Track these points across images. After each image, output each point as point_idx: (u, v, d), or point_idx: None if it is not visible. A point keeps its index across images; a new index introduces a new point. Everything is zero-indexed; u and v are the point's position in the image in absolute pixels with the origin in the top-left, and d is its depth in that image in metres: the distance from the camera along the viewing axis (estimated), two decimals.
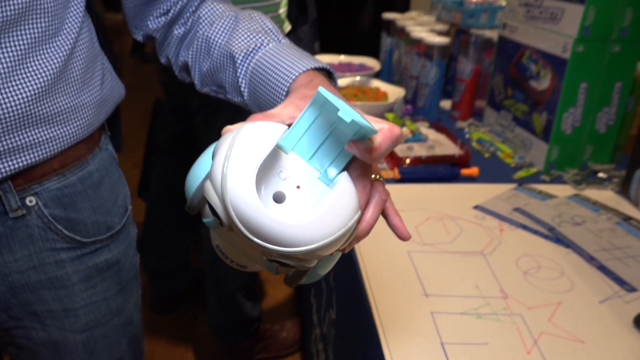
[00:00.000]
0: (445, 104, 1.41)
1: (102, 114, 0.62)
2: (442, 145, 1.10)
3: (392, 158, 1.02)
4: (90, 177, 0.61)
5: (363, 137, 0.35)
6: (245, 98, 0.53)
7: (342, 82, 1.40)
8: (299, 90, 0.44)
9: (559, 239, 0.81)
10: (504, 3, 1.41)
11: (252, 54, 0.52)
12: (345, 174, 0.36)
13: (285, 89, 0.47)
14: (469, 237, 0.80)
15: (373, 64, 1.60)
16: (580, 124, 1.02)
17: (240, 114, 1.31)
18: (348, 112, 0.33)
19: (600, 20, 0.95)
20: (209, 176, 0.36)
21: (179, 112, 1.45)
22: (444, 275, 0.71)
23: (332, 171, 0.37)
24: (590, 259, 0.76)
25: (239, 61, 0.52)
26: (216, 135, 1.48)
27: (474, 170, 1.00)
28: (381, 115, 1.24)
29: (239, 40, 0.53)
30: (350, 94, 1.28)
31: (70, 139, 0.56)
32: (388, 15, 1.58)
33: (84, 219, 0.60)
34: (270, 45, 0.52)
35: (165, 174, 1.58)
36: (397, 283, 0.69)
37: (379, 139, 0.34)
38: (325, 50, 1.76)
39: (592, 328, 0.62)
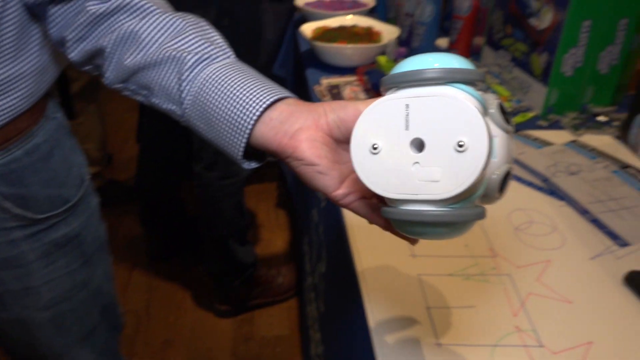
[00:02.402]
0: (442, 42, 1.34)
1: (46, 82, 0.57)
2: None
3: None
4: (37, 149, 0.57)
5: None
6: (183, 107, 0.46)
7: (332, 21, 1.32)
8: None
9: (553, 191, 0.79)
10: None
11: (204, 63, 0.46)
12: None
13: (251, 125, 0.43)
14: None
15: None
16: (582, 65, 0.97)
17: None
18: None
19: None
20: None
21: None
22: None
23: None
24: (584, 212, 0.74)
25: (186, 67, 0.46)
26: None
27: None
28: (373, 59, 1.18)
29: (188, 44, 0.47)
30: (341, 36, 1.21)
31: (9, 111, 0.52)
32: None
33: (35, 194, 0.57)
34: (225, 61, 0.46)
35: (157, 116, 1.53)
36: (384, 243, 0.67)
37: None
38: None
39: (581, 287, 0.61)
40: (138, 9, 0.50)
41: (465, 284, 0.61)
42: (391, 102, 0.37)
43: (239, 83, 0.44)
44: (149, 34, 0.49)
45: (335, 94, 1.09)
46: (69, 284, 0.65)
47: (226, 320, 1.58)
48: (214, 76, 0.45)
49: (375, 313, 0.57)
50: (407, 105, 0.36)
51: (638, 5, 0.94)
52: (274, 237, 1.89)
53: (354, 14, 1.37)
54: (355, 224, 0.70)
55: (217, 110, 0.44)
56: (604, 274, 0.63)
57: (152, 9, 0.50)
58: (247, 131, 0.43)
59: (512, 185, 0.79)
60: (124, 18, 0.50)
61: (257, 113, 0.42)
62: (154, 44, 0.48)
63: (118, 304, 0.78)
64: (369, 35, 1.24)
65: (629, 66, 1.02)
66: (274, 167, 2.07)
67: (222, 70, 0.45)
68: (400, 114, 0.36)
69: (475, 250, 0.66)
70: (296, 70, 1.58)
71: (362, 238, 0.68)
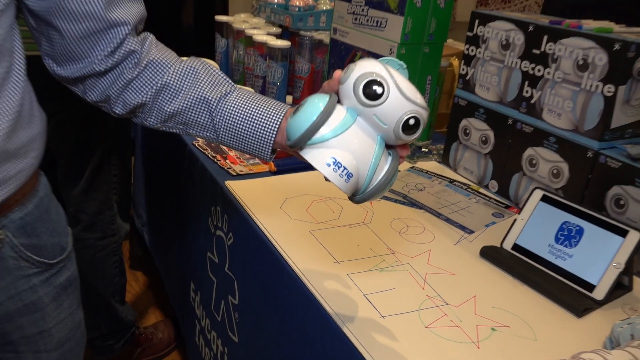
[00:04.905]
0: (289, 98, 1.57)
1: (45, 142, 0.63)
2: None
3: None
4: (42, 202, 0.62)
5: None
6: (219, 134, 0.64)
7: None
8: None
9: (413, 203, 1.05)
10: (325, 7, 1.61)
11: (224, 99, 0.63)
12: None
13: (272, 139, 0.63)
14: (349, 212, 0.98)
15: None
16: None
17: (92, 117, 1.29)
18: None
19: (415, 27, 1.20)
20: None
21: None
22: (344, 244, 0.87)
23: None
24: (438, 215, 1.01)
25: (214, 105, 0.63)
26: (72, 144, 1.49)
27: None
28: None
29: (206, 86, 0.64)
30: None
31: (31, 169, 0.58)
32: (221, 18, 1.67)
33: (45, 242, 0.62)
34: (235, 93, 0.64)
35: None
36: (311, 257, 0.83)
37: None
38: None
39: (456, 263, 0.85)
40: (158, 64, 0.64)
41: (382, 275, 0.81)
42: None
43: (254, 110, 0.63)
44: (176, 83, 0.64)
45: (214, 146, 1.23)
46: (71, 324, 0.70)
47: None
48: (235, 107, 0.63)
49: (332, 306, 0.73)
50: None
51: (436, 65, 1.30)
52: (138, 299, 1.86)
53: None
54: (285, 248, 0.85)
55: (246, 132, 0.63)
56: (466, 253, 0.89)
57: (166, 62, 0.64)
58: (270, 143, 0.62)
59: (387, 202, 1.03)
60: (153, 74, 0.63)
61: (275, 130, 0.62)
62: (181, 90, 0.64)
63: None
64: None
65: (434, 110, 1.37)
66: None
67: (238, 101, 0.63)
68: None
69: (378, 251, 0.87)
70: (148, 130, 1.65)
71: (295, 258, 0.83)
